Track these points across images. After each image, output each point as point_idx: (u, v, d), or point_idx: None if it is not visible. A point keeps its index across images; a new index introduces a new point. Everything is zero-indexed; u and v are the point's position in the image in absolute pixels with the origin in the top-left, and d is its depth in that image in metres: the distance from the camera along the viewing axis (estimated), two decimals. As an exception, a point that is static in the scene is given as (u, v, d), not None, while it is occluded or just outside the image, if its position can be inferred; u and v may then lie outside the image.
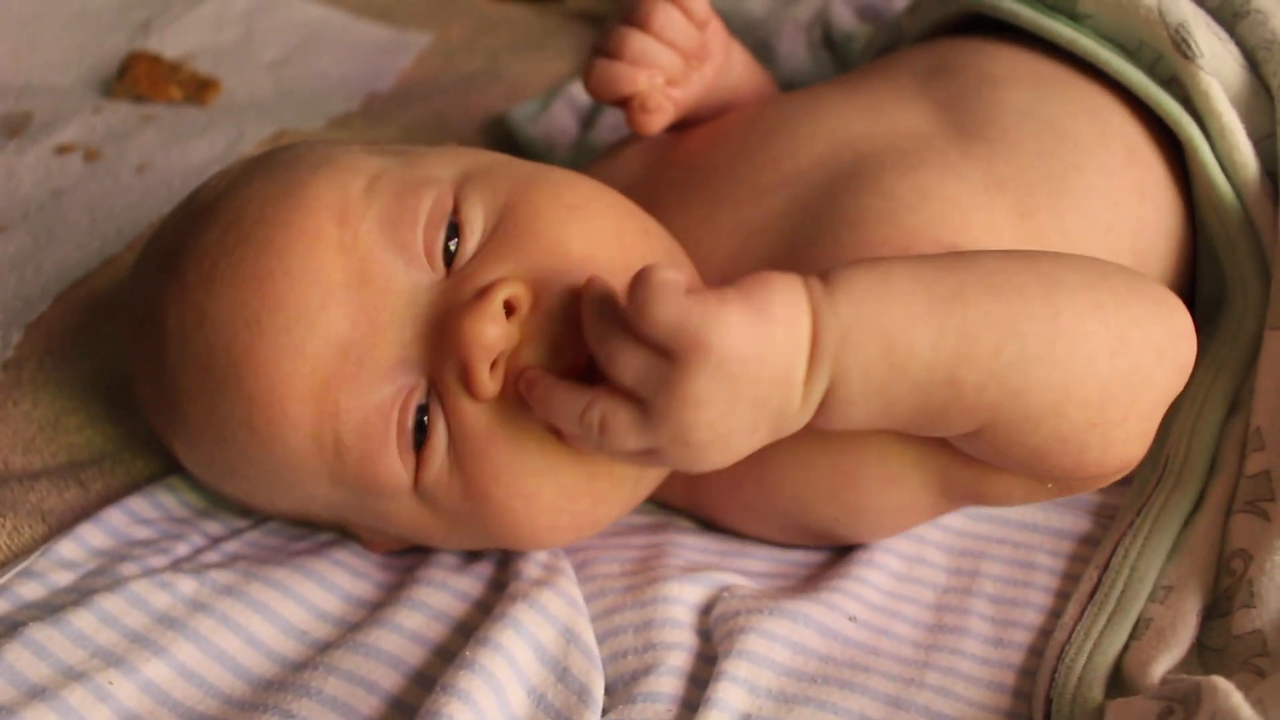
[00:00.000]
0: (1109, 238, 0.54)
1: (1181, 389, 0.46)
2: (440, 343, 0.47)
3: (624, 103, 0.61)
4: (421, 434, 0.48)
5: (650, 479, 0.52)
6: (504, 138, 0.83)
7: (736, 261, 0.54)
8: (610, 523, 0.53)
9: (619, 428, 0.43)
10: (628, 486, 0.51)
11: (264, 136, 0.79)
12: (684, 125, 0.64)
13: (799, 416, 0.44)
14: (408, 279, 0.48)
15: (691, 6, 0.60)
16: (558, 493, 0.49)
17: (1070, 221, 0.53)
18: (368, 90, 0.89)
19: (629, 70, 0.59)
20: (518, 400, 0.47)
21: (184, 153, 0.78)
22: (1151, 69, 0.57)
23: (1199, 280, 0.57)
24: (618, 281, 0.48)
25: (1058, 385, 0.43)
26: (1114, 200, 0.54)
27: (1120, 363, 0.44)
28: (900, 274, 0.43)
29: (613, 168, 0.64)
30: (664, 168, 0.61)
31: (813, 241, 0.53)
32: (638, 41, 0.59)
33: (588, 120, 0.85)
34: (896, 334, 0.43)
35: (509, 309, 0.47)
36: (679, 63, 0.60)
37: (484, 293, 0.47)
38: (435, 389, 0.48)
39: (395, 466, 0.48)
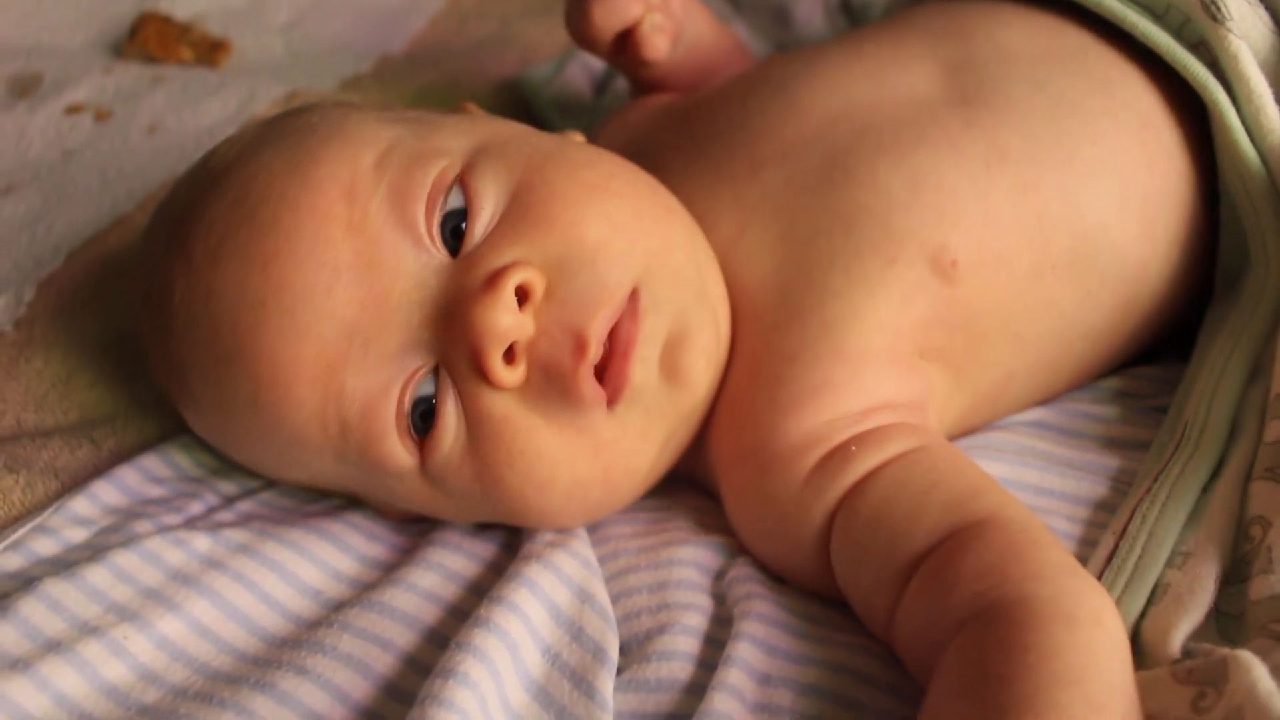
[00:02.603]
0: (1116, 211, 0.54)
1: None
2: (451, 329, 0.47)
3: (621, 44, 0.60)
4: (425, 420, 0.48)
5: (663, 467, 0.52)
6: (518, 101, 0.83)
7: (733, 243, 0.53)
8: (622, 508, 0.54)
9: None
10: (641, 476, 0.51)
11: (276, 97, 0.79)
12: (663, 85, 0.64)
13: None
14: (417, 261, 0.47)
15: None
16: (572, 481, 0.49)
17: (1077, 195, 0.53)
18: (380, 52, 0.88)
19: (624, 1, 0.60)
20: (537, 386, 0.47)
21: (195, 113, 0.78)
22: (1179, 32, 0.57)
23: (1220, 249, 0.57)
24: (636, 265, 0.48)
25: None
26: (1123, 174, 0.54)
27: None
28: None
29: (621, 131, 0.64)
30: (669, 131, 0.60)
31: (807, 243, 0.52)
32: None
33: (602, 85, 0.84)
34: None
35: (522, 296, 0.46)
36: None
37: (494, 279, 0.46)
38: (449, 372, 0.47)
39: (399, 449, 0.48)
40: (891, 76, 0.56)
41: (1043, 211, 0.52)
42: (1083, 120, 0.54)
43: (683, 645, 0.47)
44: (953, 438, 0.55)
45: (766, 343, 0.51)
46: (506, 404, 0.47)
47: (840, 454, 0.49)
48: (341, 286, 0.47)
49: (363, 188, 0.48)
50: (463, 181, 0.49)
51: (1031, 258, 0.52)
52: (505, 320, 0.45)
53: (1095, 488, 0.52)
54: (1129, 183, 0.54)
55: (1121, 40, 0.57)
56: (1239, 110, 0.54)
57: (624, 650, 0.48)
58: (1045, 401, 0.57)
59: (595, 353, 0.47)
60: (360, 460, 0.49)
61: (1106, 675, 0.38)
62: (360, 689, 0.46)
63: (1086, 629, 0.40)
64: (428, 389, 0.48)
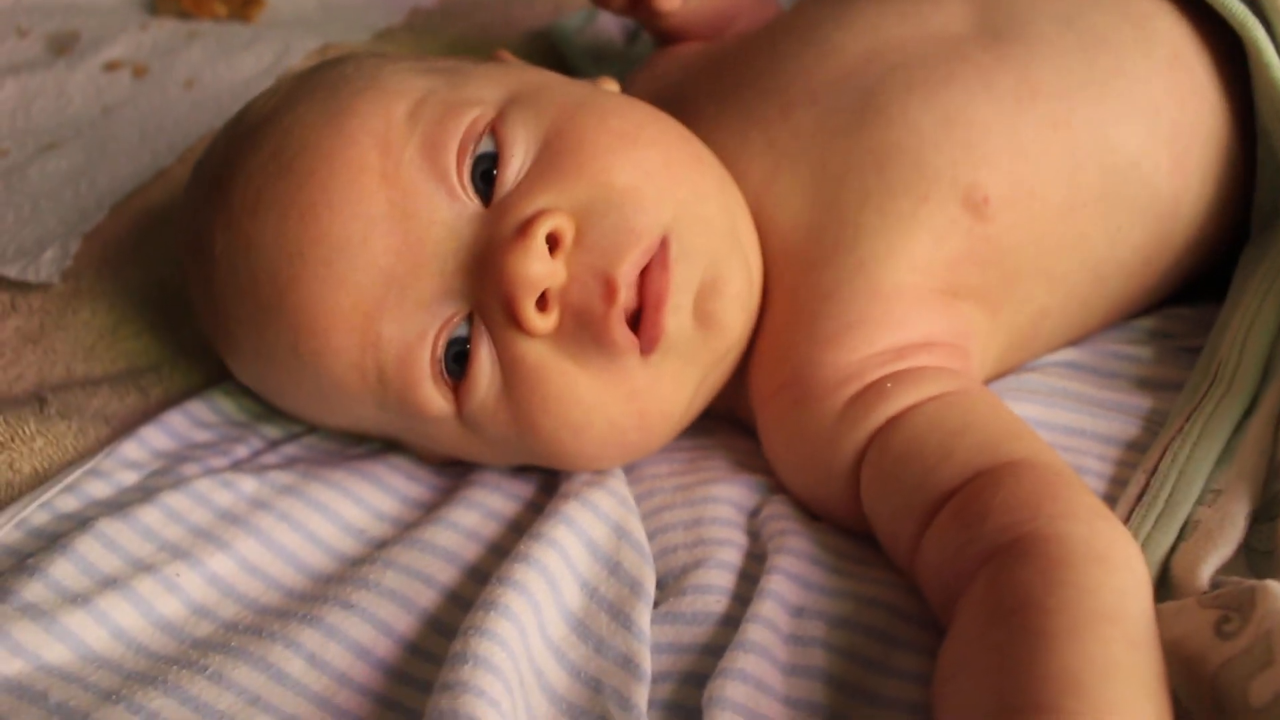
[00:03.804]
0: (1146, 145, 0.54)
1: None
2: (484, 277, 0.47)
3: None
4: (458, 364, 0.49)
5: (698, 407, 0.53)
6: (550, 50, 0.83)
7: (766, 186, 0.54)
8: (658, 449, 0.54)
9: None
10: (676, 419, 0.52)
11: (310, 50, 0.80)
12: (683, 34, 0.64)
13: None
14: (450, 210, 0.48)
15: None
16: (607, 426, 0.50)
17: (1107, 130, 0.53)
18: (412, 4, 0.89)
19: None
20: (570, 332, 0.48)
21: (230, 68, 0.79)
22: None
23: (1256, 189, 0.57)
24: (666, 212, 0.48)
25: None
26: (1153, 108, 0.54)
27: None
28: None
29: (651, 80, 0.64)
30: (699, 79, 0.61)
31: (839, 181, 0.52)
32: None
33: (634, 33, 0.84)
34: None
35: (552, 243, 0.47)
36: None
37: (525, 227, 0.46)
38: (483, 319, 0.48)
39: (435, 395, 0.49)
40: (923, 14, 0.56)
41: (1074, 146, 0.53)
42: (1113, 54, 0.54)
43: (717, 579, 0.48)
44: (989, 380, 0.55)
45: (804, 280, 0.52)
46: (540, 350, 0.48)
47: (876, 390, 0.49)
48: (377, 236, 0.47)
49: (396, 138, 0.48)
50: (494, 130, 0.49)
51: (1063, 193, 0.53)
52: (537, 268, 0.46)
53: (1127, 428, 0.52)
54: (1159, 117, 0.54)
55: None
56: (1278, 48, 0.54)
57: (660, 584, 0.49)
58: (1078, 341, 0.58)
59: (625, 297, 0.47)
60: (399, 406, 0.50)
61: (1139, 617, 0.39)
62: (404, 622, 0.48)
63: (1120, 571, 0.40)
64: (462, 334, 0.49)
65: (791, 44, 0.58)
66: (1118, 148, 0.53)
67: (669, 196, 0.49)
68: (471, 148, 0.49)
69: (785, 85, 0.56)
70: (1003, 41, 0.54)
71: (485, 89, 0.51)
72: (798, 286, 0.52)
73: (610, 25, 0.84)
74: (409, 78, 0.51)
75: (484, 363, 0.49)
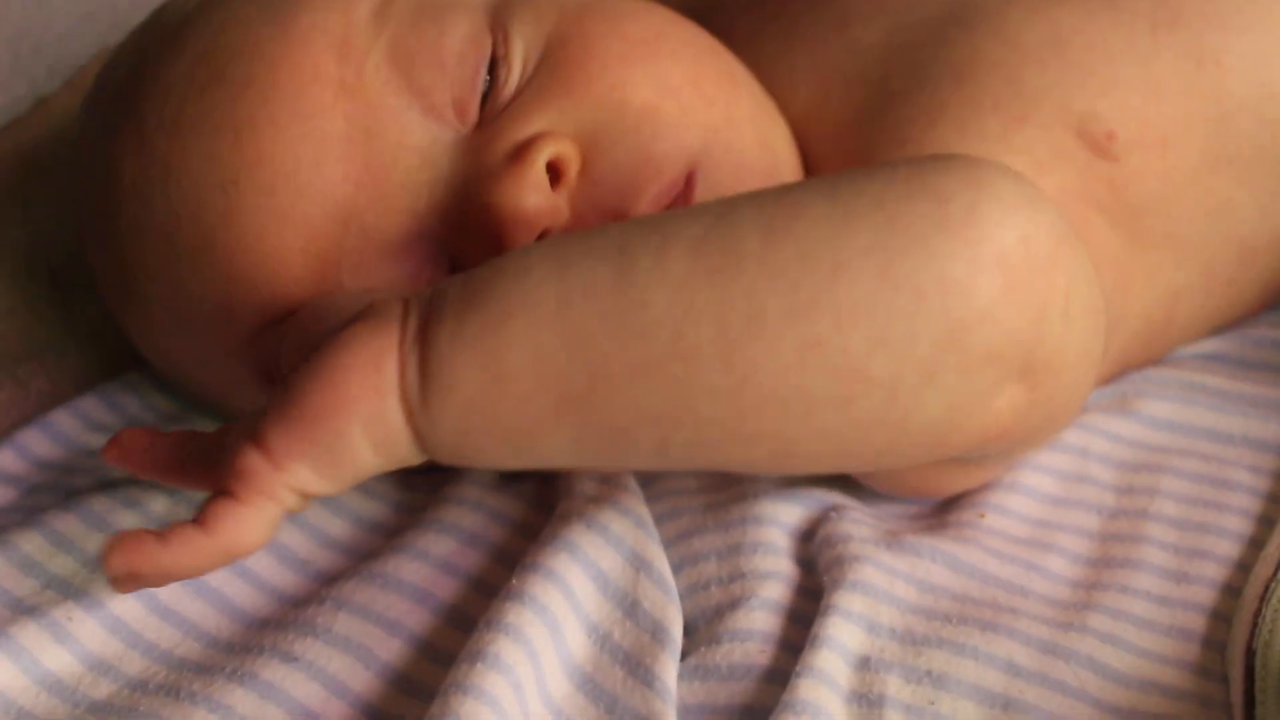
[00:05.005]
0: None
1: (1014, 366, 0.41)
2: (467, 216, 0.47)
3: None
4: None
5: None
6: None
7: (814, 111, 0.54)
8: None
9: None
10: None
11: None
12: None
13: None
14: (425, 133, 0.48)
15: None
16: None
17: (1269, 71, 0.52)
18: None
19: None
20: None
21: None
22: None
23: None
24: (692, 139, 0.48)
25: (762, 456, 0.42)
26: None
27: (858, 409, 0.40)
28: (518, 362, 0.40)
29: None
30: None
31: (905, 98, 0.52)
32: None
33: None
34: (521, 440, 0.41)
35: (554, 174, 0.47)
36: None
37: (521, 152, 0.47)
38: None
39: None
40: None
41: (1222, 88, 0.52)
42: None
43: (760, 623, 0.47)
44: (1109, 379, 0.55)
45: None
46: None
47: None
48: (333, 160, 0.47)
49: (357, 42, 0.48)
50: (485, 35, 0.49)
51: (1205, 145, 0.52)
52: (534, 200, 0.46)
53: None
54: None
55: None
56: None
57: (689, 629, 0.48)
58: (1223, 330, 0.58)
59: None
60: None
61: None
62: (361, 679, 0.46)
63: None
64: None
65: None
66: (1278, 95, 0.53)
67: (695, 120, 0.49)
68: (470, 62, 0.48)
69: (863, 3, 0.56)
70: None
71: None
72: None
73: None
74: None
75: None
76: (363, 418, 0.40)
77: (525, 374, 0.40)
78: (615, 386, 0.40)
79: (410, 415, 0.40)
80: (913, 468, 0.47)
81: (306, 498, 0.41)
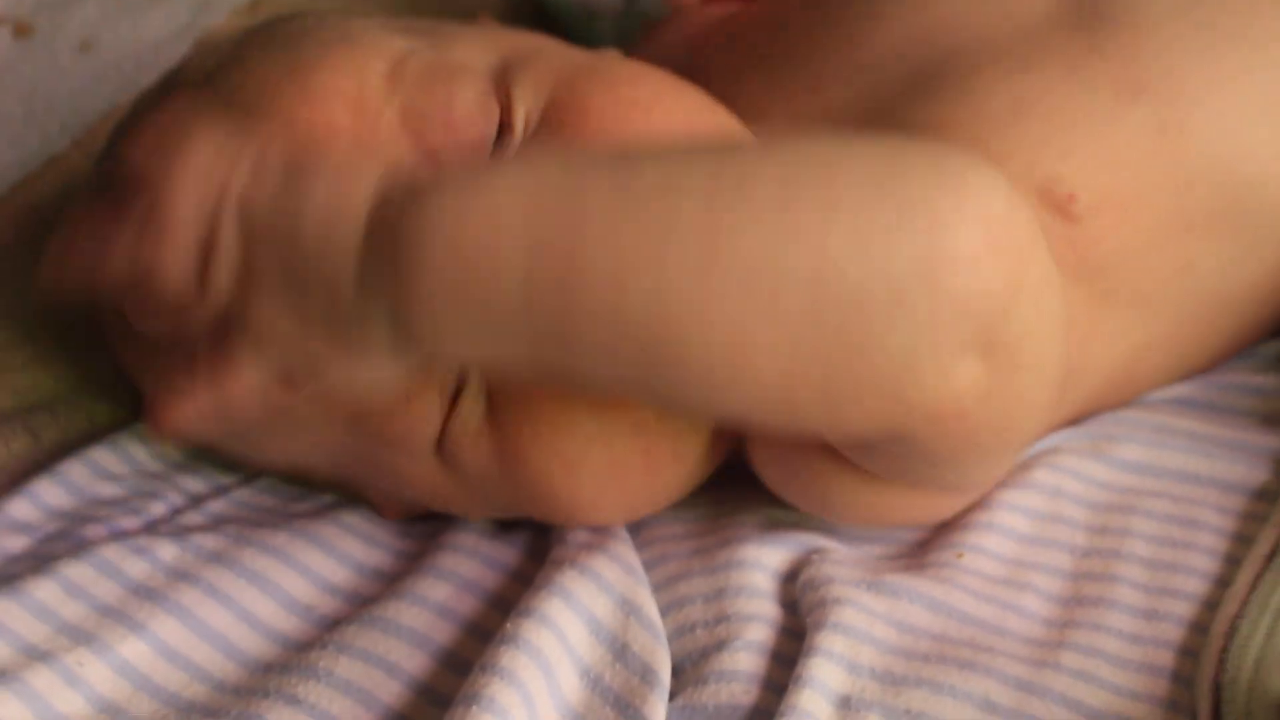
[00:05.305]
0: (1276, 159, 0.54)
1: (981, 331, 0.41)
2: None
3: None
4: None
5: (719, 451, 0.53)
6: (533, 9, 0.83)
7: None
8: (666, 505, 0.54)
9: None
10: (689, 465, 0.52)
11: (239, 5, 0.79)
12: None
13: (356, 299, 0.41)
14: None
15: None
16: (607, 463, 0.50)
17: (1229, 139, 0.53)
18: (361, -52, 0.88)
19: None
20: None
21: (135, 26, 0.78)
22: None
23: None
24: None
25: (721, 342, 0.40)
26: None
27: (824, 311, 0.39)
28: (506, 184, 0.40)
29: (663, 46, 0.64)
30: (714, 49, 0.61)
31: None
32: None
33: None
34: (472, 256, 0.40)
35: None
36: None
37: None
38: None
39: (427, 407, 0.49)
40: None
41: (1184, 156, 0.53)
42: (1241, 49, 0.54)
43: (744, 664, 0.48)
44: (1076, 421, 0.56)
45: None
46: None
47: None
48: None
49: (373, 100, 0.49)
50: (491, 100, 0.50)
51: (1167, 209, 0.53)
52: None
53: (1252, 472, 0.52)
54: None
55: None
56: None
57: (677, 671, 0.48)
58: (1191, 376, 0.58)
59: None
60: (375, 425, 0.50)
61: None
62: None
63: None
64: None
65: (829, 11, 0.58)
66: (1240, 162, 0.53)
67: None
68: (464, 119, 0.49)
69: (820, 58, 0.56)
70: (1102, 28, 0.54)
71: (474, 53, 0.52)
72: None
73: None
74: (384, 35, 0.52)
75: (470, 380, 0.49)
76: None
77: (509, 209, 0.40)
78: (590, 217, 0.39)
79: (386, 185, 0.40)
80: (868, 451, 0.47)
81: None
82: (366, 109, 0.48)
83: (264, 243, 0.41)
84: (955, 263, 0.40)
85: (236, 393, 0.43)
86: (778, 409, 0.42)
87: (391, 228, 0.40)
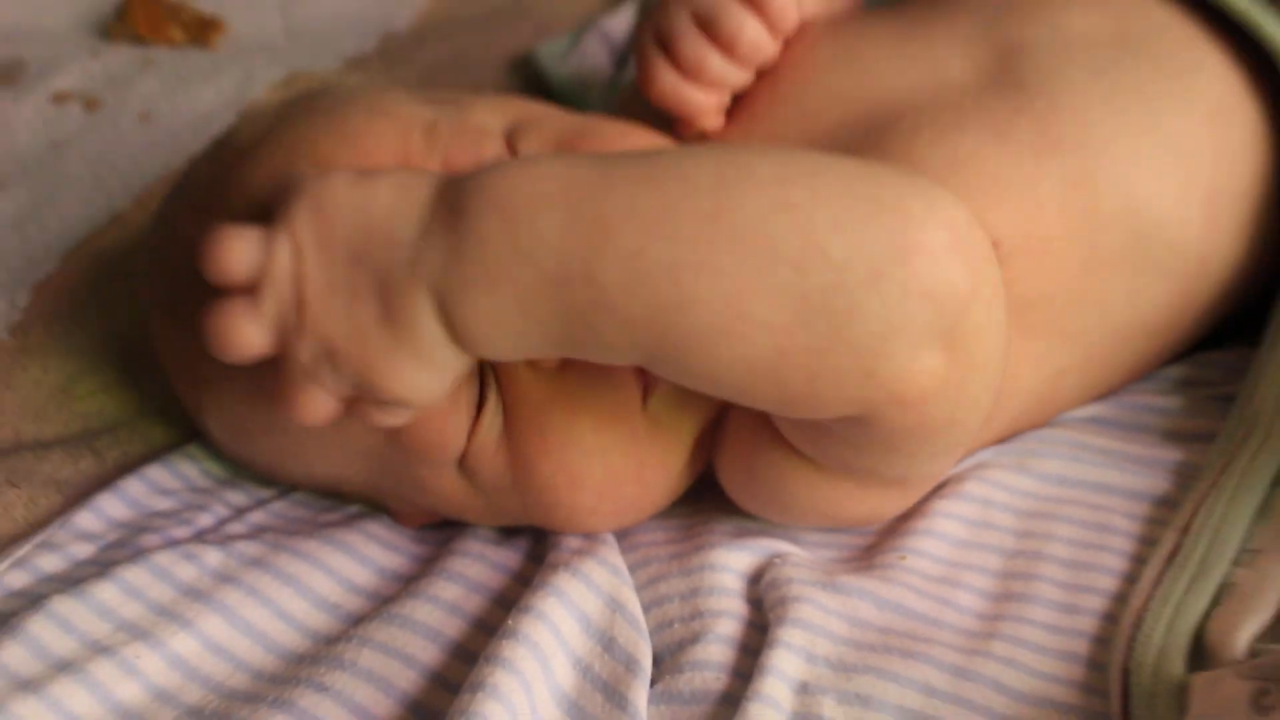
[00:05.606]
0: (1177, 205, 0.55)
1: (944, 321, 0.43)
2: None
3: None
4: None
5: (698, 466, 0.55)
6: (532, 79, 0.85)
7: None
8: (652, 514, 0.56)
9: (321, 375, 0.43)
10: (674, 477, 0.54)
11: (275, 80, 0.82)
12: None
13: (410, 289, 0.42)
14: None
15: (778, 17, 0.58)
16: (605, 476, 0.52)
17: (1134, 189, 0.55)
18: (384, 29, 0.91)
19: (699, 95, 0.58)
20: (576, 374, 0.50)
21: (189, 99, 0.81)
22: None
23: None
24: None
25: (721, 299, 0.41)
26: (1186, 166, 0.56)
27: (811, 280, 0.41)
28: (547, 160, 0.43)
29: (635, 113, 0.65)
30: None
31: None
32: (716, 65, 0.58)
33: (622, 58, 0.86)
34: (519, 211, 0.41)
35: None
36: (749, 78, 0.60)
37: None
38: None
39: (456, 425, 0.51)
40: (937, 61, 0.58)
41: (1095, 204, 0.54)
42: (1146, 109, 0.56)
43: (716, 655, 0.50)
44: (1002, 439, 0.57)
45: None
46: (547, 387, 0.51)
47: None
48: None
49: (416, 160, 0.50)
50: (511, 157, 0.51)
51: (1082, 252, 0.54)
52: None
53: (1157, 483, 0.54)
54: (1193, 176, 0.56)
55: (1210, 16, 0.59)
56: None
57: (657, 661, 0.50)
58: (1103, 397, 0.59)
59: None
60: (407, 439, 0.51)
61: None
62: (382, 706, 0.49)
63: None
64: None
65: (792, 86, 0.60)
66: (1144, 209, 0.55)
67: None
68: None
69: (780, 130, 0.58)
70: (1024, 92, 0.56)
71: (489, 117, 0.54)
72: None
73: (596, 49, 0.86)
74: (413, 104, 0.53)
75: (490, 400, 0.51)
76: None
77: (549, 161, 0.43)
78: (614, 185, 0.42)
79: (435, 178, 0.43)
80: (836, 439, 0.48)
81: None
82: (413, 162, 0.50)
83: (328, 241, 0.42)
84: (926, 252, 0.42)
85: (303, 413, 0.44)
86: (767, 378, 0.43)
87: (448, 204, 0.42)
